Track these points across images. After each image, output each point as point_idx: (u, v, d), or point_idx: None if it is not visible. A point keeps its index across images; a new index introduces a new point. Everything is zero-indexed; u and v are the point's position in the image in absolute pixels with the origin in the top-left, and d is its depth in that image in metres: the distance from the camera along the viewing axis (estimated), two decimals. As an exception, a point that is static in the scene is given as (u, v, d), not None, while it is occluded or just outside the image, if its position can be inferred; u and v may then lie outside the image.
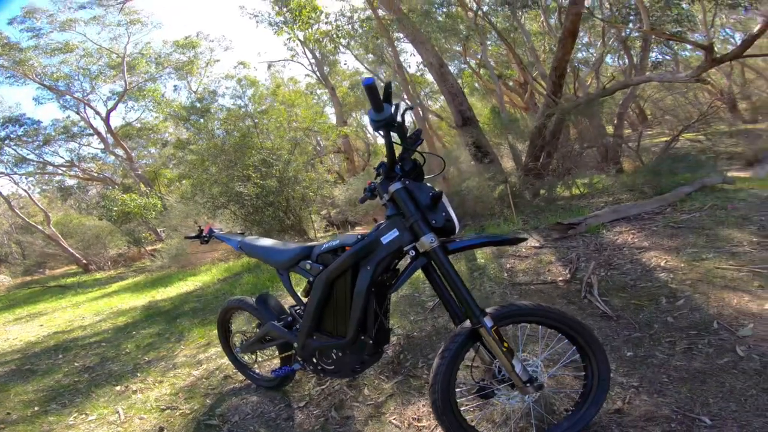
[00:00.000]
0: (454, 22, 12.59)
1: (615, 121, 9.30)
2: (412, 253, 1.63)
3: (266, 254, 2.16)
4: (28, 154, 17.44)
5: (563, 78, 6.41)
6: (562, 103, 6.21)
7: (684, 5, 8.56)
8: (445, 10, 12.45)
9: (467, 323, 1.59)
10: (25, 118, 16.81)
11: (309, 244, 2.04)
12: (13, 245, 20.62)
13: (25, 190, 18.59)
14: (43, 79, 16.22)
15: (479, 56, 15.16)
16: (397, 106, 1.54)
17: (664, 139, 10.14)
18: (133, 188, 16.28)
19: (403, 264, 1.75)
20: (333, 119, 17.87)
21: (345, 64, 21.32)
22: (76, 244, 15.20)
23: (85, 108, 17.60)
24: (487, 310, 1.58)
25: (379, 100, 1.47)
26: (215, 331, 3.18)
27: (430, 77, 15.04)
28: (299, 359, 2.08)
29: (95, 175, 19.76)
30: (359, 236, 1.77)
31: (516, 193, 5.90)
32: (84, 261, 14.69)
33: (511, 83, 16.16)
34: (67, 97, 17.08)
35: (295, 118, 9.12)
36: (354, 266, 1.75)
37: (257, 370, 2.62)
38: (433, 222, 1.60)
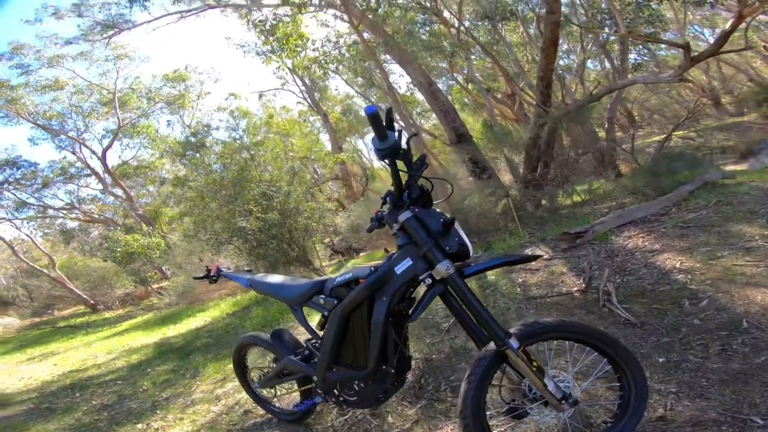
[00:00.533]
0: (438, 39, 12.80)
1: (606, 126, 9.39)
2: (428, 281, 1.61)
3: (277, 291, 2.14)
4: (27, 198, 17.37)
5: (550, 87, 6.46)
6: (552, 111, 6.25)
7: (653, 5, 8.77)
8: (428, 28, 12.68)
9: (491, 345, 1.56)
10: (21, 161, 16.77)
11: (320, 278, 2.02)
12: (19, 288, 20.51)
13: (27, 235, 18.47)
14: (36, 118, 16.20)
15: (466, 71, 15.36)
16: (401, 133, 1.53)
17: (656, 138, 10.24)
18: (135, 228, 16.21)
19: (418, 291, 1.72)
20: (328, 146, 17.94)
21: (336, 89, 21.62)
22: (82, 286, 15.16)
23: (80, 147, 17.56)
24: (511, 330, 1.56)
25: (382, 128, 1.46)
26: (230, 366, 3.15)
27: (420, 96, 15.20)
28: (320, 392, 2.04)
29: (96, 216, 19.68)
30: (372, 268, 1.75)
31: (518, 206, 5.87)
32: (92, 301, 14.64)
33: (499, 96, 16.36)
34: (62, 136, 17.06)
35: (291, 147, 9.15)
36: (369, 298, 1.72)
37: (277, 404, 2.57)
38: (447, 248, 1.58)
